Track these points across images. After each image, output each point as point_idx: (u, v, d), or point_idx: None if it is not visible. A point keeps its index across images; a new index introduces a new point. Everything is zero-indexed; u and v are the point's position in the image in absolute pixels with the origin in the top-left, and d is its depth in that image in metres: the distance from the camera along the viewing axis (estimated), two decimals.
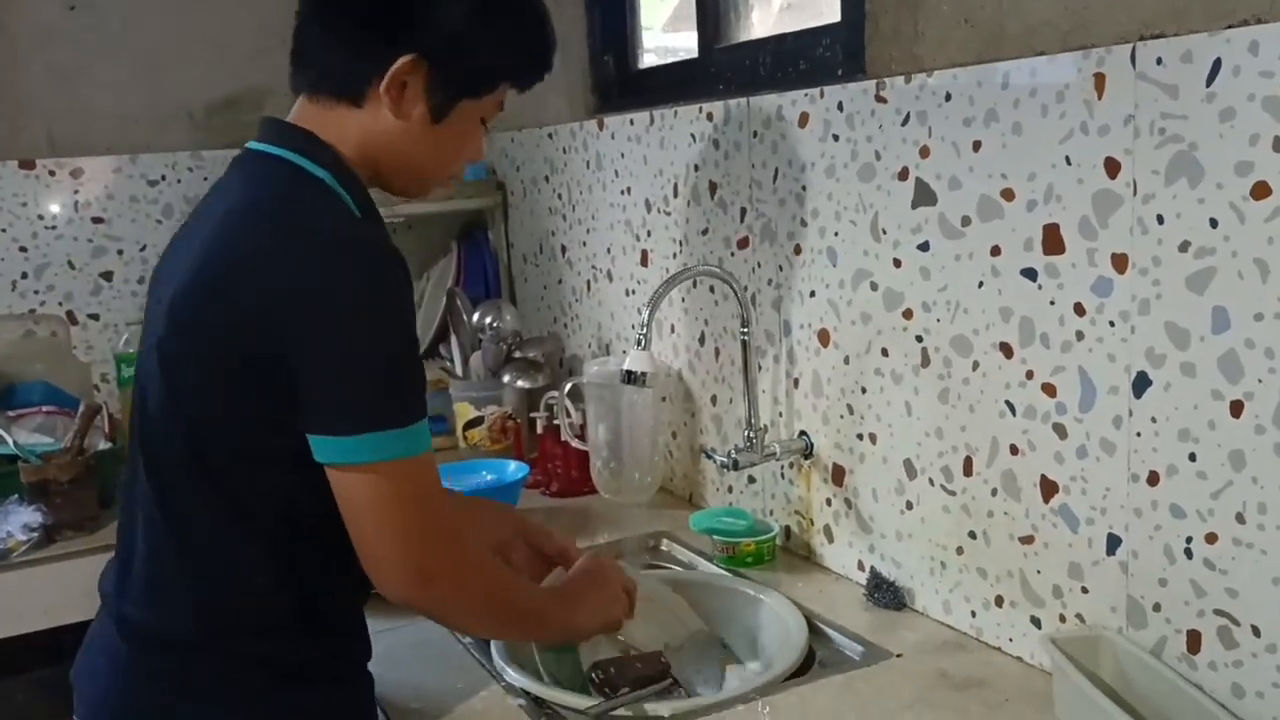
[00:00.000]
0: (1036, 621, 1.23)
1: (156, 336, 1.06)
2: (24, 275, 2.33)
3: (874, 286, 1.39)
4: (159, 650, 1.08)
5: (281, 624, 1.08)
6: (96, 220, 2.37)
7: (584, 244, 2.14)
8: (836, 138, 1.42)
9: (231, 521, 1.06)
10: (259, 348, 0.99)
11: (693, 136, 1.74)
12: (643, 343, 1.44)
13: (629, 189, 1.95)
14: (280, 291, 0.99)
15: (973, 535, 1.30)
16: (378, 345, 1.00)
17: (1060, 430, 1.17)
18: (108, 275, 2.38)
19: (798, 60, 1.56)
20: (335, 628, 1.13)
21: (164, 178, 2.41)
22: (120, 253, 2.39)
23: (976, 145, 1.22)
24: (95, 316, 2.39)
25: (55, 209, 2.34)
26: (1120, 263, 1.07)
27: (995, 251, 1.21)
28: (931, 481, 1.35)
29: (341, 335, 0.99)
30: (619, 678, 1.23)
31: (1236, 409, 0.99)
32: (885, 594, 1.42)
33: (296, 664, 1.10)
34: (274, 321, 0.99)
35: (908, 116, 1.30)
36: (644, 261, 1.94)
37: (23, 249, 2.32)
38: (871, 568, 1.46)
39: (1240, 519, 1.00)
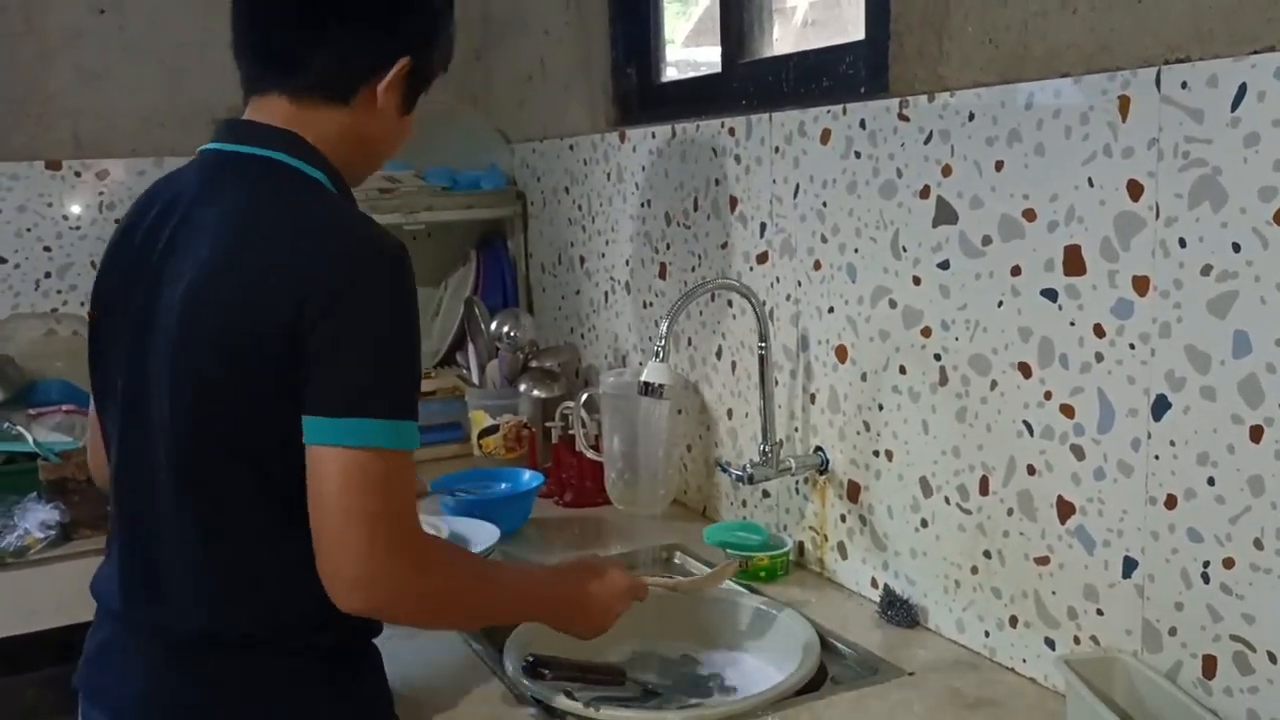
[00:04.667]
0: (1051, 643, 1.23)
1: (171, 344, 1.05)
2: (47, 275, 2.35)
3: (893, 304, 1.40)
4: (219, 653, 1.08)
5: (334, 616, 1.07)
6: (120, 222, 2.39)
7: (603, 255, 2.15)
8: (858, 155, 1.43)
9: (279, 520, 1.06)
10: (292, 346, 1.01)
11: (714, 151, 1.75)
12: (661, 354, 1.45)
13: (649, 201, 1.96)
14: (314, 294, 1.01)
15: (988, 555, 1.30)
16: (393, 343, 1.04)
17: (1078, 451, 1.16)
18: None
19: (821, 77, 1.57)
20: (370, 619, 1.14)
21: None
22: None
23: (999, 165, 1.22)
24: None
25: (79, 209, 2.36)
26: (1141, 285, 1.07)
27: (1016, 271, 1.21)
28: (947, 500, 1.35)
29: (365, 331, 1.02)
30: (565, 670, 1.28)
31: (1256, 434, 0.98)
32: (898, 611, 1.41)
33: (349, 655, 1.13)
34: (307, 319, 1.00)
35: (930, 135, 1.31)
36: (662, 274, 1.94)
37: (46, 249, 2.35)
38: (885, 585, 1.46)
39: (1259, 545, 0.99)
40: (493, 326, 2.26)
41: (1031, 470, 1.22)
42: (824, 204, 1.50)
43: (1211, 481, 1.03)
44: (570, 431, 2.00)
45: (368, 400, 1.01)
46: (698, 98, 1.91)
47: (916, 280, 1.35)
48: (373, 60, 1.13)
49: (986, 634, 1.31)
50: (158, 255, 1.10)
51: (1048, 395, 1.19)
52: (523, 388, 2.16)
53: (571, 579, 1.28)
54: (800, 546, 1.63)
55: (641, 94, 2.09)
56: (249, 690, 1.08)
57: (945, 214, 1.30)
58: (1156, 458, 1.08)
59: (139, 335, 1.09)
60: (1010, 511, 1.26)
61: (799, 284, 1.57)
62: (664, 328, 1.47)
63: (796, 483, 1.62)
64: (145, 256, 1.12)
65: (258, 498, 1.06)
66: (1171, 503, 1.07)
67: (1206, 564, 1.04)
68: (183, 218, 1.10)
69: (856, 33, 1.50)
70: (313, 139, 1.12)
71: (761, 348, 1.58)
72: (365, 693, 1.15)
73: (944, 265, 1.31)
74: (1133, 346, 1.09)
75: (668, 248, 1.91)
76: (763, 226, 1.64)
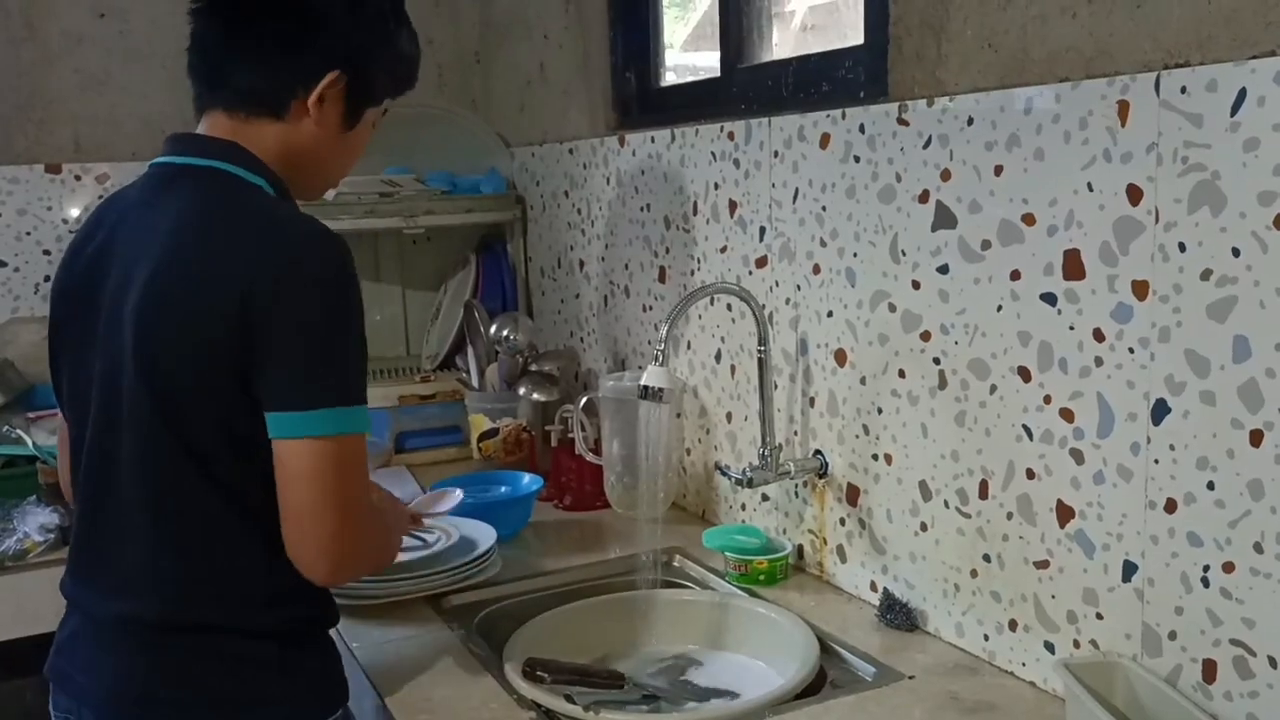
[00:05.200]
0: (1050, 647, 1.23)
1: (127, 342, 1.09)
2: (46, 278, 2.35)
3: (892, 308, 1.40)
4: (173, 638, 1.12)
5: (284, 596, 1.14)
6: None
7: (602, 259, 2.15)
8: (858, 159, 1.43)
9: (224, 509, 1.11)
10: (241, 337, 1.05)
11: (713, 155, 1.75)
12: (660, 358, 1.45)
13: (648, 205, 1.96)
14: (258, 281, 1.05)
15: (987, 558, 1.30)
16: (340, 329, 1.08)
17: (1077, 455, 1.16)
18: None
19: (820, 81, 1.57)
20: (320, 593, 1.19)
21: None
22: None
23: (998, 169, 1.22)
24: None
25: (80, 213, 2.37)
26: (1141, 289, 1.08)
27: (1015, 276, 1.21)
28: (946, 504, 1.35)
29: (311, 318, 1.06)
30: (564, 674, 1.29)
31: (1256, 438, 0.98)
32: (897, 615, 1.41)
33: (304, 633, 1.18)
34: (255, 310, 1.04)
35: (929, 139, 1.31)
36: (662, 278, 1.95)
37: (46, 252, 2.35)
38: (884, 589, 1.46)
39: (1258, 549, 0.99)
40: (492, 330, 2.26)
41: (1031, 474, 1.22)
42: (823, 208, 1.50)
43: (1211, 486, 1.03)
44: (570, 435, 2.00)
45: (323, 391, 1.06)
46: (697, 102, 1.92)
47: (916, 284, 1.35)
48: (295, 75, 1.17)
49: (986, 638, 1.31)
50: (112, 262, 1.14)
51: (1047, 399, 1.19)
52: (522, 391, 2.16)
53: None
54: (799, 550, 1.63)
55: (641, 98, 2.09)
56: (202, 673, 1.12)
57: (944, 218, 1.30)
58: (1156, 462, 1.08)
59: (98, 339, 1.13)
60: (1010, 515, 1.26)
61: (798, 288, 1.57)
62: (663, 331, 1.47)
63: (796, 486, 1.62)
64: (100, 264, 1.16)
65: (210, 488, 1.10)
66: (1171, 507, 1.07)
67: (1206, 568, 1.04)
68: (132, 225, 1.15)
69: (855, 37, 1.51)
70: (252, 150, 1.17)
71: (761, 351, 1.58)
72: (316, 672, 1.19)
73: (943, 269, 1.31)
74: (1132, 351, 1.09)
75: (667, 251, 1.92)
76: (762, 230, 1.65)
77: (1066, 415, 1.17)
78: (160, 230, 1.11)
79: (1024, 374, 1.22)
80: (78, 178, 2.35)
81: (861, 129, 1.42)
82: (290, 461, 1.07)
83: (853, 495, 1.51)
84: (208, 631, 1.12)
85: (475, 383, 2.30)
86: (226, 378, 1.06)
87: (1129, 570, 1.12)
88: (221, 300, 1.05)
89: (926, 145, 1.32)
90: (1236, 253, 0.98)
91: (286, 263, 1.07)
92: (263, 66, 1.17)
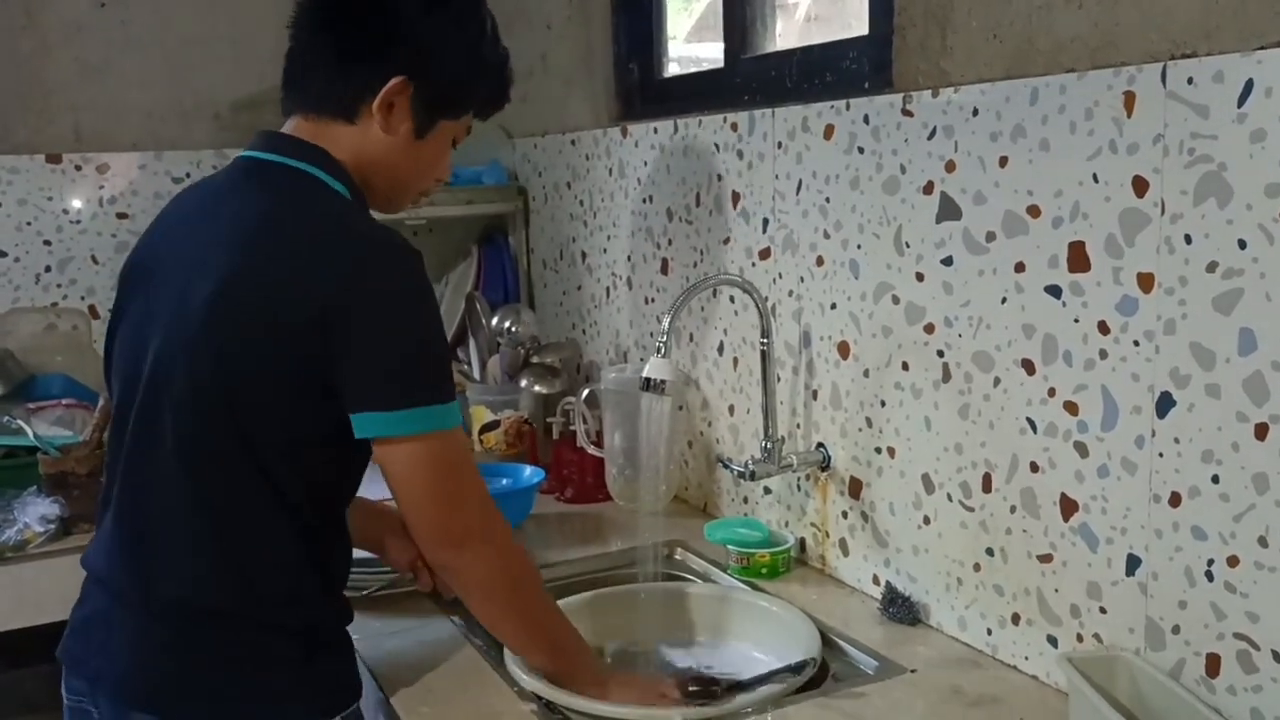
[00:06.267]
0: (1053, 640, 1.22)
1: (195, 330, 1.10)
2: (47, 269, 2.35)
3: (896, 300, 1.39)
4: (196, 623, 1.13)
5: (309, 593, 1.16)
6: (121, 216, 2.39)
7: (604, 251, 2.15)
8: (862, 150, 1.42)
9: (267, 501, 1.12)
10: (321, 342, 1.08)
11: (716, 146, 1.74)
12: (663, 350, 1.44)
13: (651, 197, 1.95)
14: (337, 290, 1.08)
15: (990, 552, 1.29)
16: (422, 332, 1.12)
17: (1081, 449, 1.16)
18: None
19: (824, 72, 1.56)
20: (342, 596, 1.22)
21: (189, 175, 2.42)
22: None
23: (1003, 161, 1.21)
24: None
25: (80, 204, 2.36)
26: (1146, 282, 1.07)
27: (1019, 268, 1.21)
28: (949, 497, 1.34)
29: (393, 324, 1.10)
30: None
31: (1261, 431, 0.98)
32: (900, 609, 1.41)
33: (323, 632, 1.18)
34: (331, 318, 1.07)
35: (934, 130, 1.30)
36: (664, 270, 1.94)
37: (47, 242, 2.34)
38: (887, 582, 1.45)
39: (1263, 542, 0.99)
40: (494, 322, 2.25)
41: (1034, 467, 1.22)
42: (827, 200, 1.50)
43: (1216, 479, 1.02)
44: (571, 427, 2.00)
45: (426, 389, 1.11)
46: (700, 93, 1.91)
47: (919, 276, 1.35)
48: (365, 80, 1.18)
49: (989, 631, 1.31)
50: (186, 247, 1.17)
51: (1051, 392, 1.19)
52: (524, 383, 2.16)
53: (605, 669, 1.34)
54: (802, 543, 1.63)
55: (644, 89, 2.08)
56: (218, 662, 1.13)
57: (949, 210, 1.29)
58: (1160, 455, 1.08)
59: (164, 321, 1.14)
60: (1013, 509, 1.25)
61: (801, 280, 1.57)
62: (666, 323, 1.46)
63: (798, 479, 1.62)
64: (174, 247, 1.19)
65: (258, 481, 1.12)
66: (1175, 500, 1.07)
67: (1210, 562, 1.04)
68: (211, 214, 1.18)
69: (860, 27, 1.50)
70: (334, 154, 1.19)
71: (763, 344, 1.57)
72: (331, 670, 1.18)
73: (947, 261, 1.30)
74: (1137, 343, 1.09)
75: (669, 243, 1.91)
76: (765, 222, 1.64)
77: (1070, 408, 1.17)
78: (241, 226, 1.13)
79: (1028, 367, 1.21)
80: (78, 168, 2.34)
81: (866, 120, 1.41)
82: (386, 461, 1.12)
83: (855, 488, 1.51)
84: (229, 621, 1.13)
85: (477, 375, 2.29)
86: (290, 385, 1.09)
87: (1133, 564, 1.12)
88: (296, 310, 1.07)
89: (931, 136, 1.31)
90: (1243, 245, 0.98)
91: (364, 274, 1.09)
92: (336, 70, 1.19)
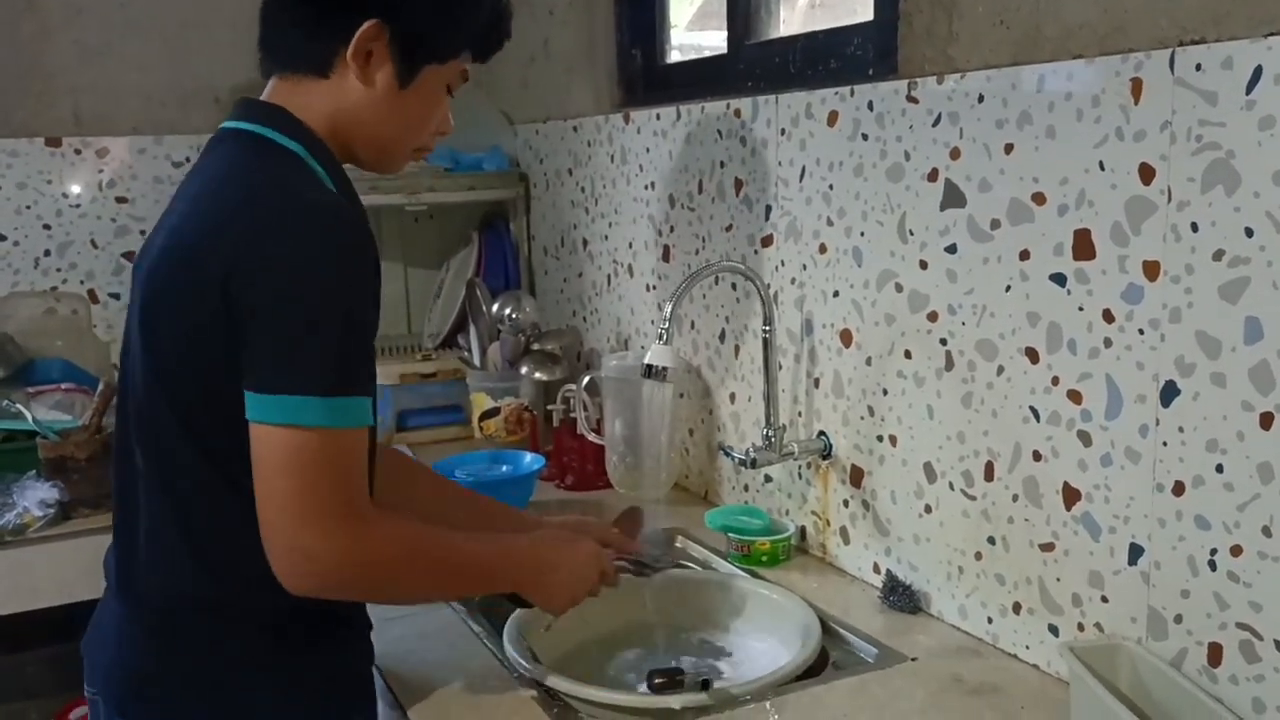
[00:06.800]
0: (1054, 629, 1.22)
1: (137, 312, 1.09)
2: (47, 253, 2.34)
3: (899, 288, 1.38)
4: (179, 617, 1.10)
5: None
6: (120, 200, 2.38)
7: (606, 238, 2.14)
8: (866, 137, 1.41)
9: (223, 486, 1.06)
10: (226, 310, 0.99)
11: (719, 133, 1.73)
12: (664, 337, 1.44)
13: (653, 184, 1.94)
14: (243, 252, 0.99)
15: (992, 541, 1.29)
16: (319, 311, 0.99)
17: (1085, 438, 1.16)
18: (130, 255, 2.39)
19: (828, 58, 1.55)
20: None
21: (188, 159, 2.41)
22: (143, 233, 2.39)
23: (1009, 148, 1.21)
24: (116, 295, 2.40)
25: (79, 188, 2.35)
26: (1152, 270, 1.06)
27: (1024, 255, 1.20)
28: (951, 485, 1.34)
29: (286, 295, 0.99)
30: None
31: (1266, 421, 0.97)
32: (901, 597, 1.41)
33: (309, 623, 1.10)
34: (239, 283, 0.99)
35: (939, 117, 1.29)
36: (666, 257, 1.93)
37: (46, 226, 2.34)
38: (888, 570, 1.45)
39: (1267, 532, 0.98)
40: (494, 309, 2.25)
41: (1037, 456, 1.22)
42: (830, 187, 1.49)
43: (1220, 468, 1.02)
44: (572, 414, 1.99)
45: (303, 376, 0.98)
46: (703, 79, 1.90)
47: (923, 264, 1.34)
48: (336, 30, 1.09)
49: (990, 620, 1.31)
50: (152, 236, 1.14)
51: (1055, 381, 1.18)
52: (524, 370, 2.15)
53: (535, 549, 1.22)
54: (802, 531, 1.63)
55: (646, 75, 2.07)
56: (211, 656, 1.09)
57: (953, 197, 1.29)
58: (1165, 444, 1.07)
59: (129, 313, 1.13)
60: (1015, 498, 1.25)
61: (804, 267, 1.56)
62: (667, 310, 1.46)
63: (799, 467, 1.62)
64: (148, 239, 1.15)
65: (205, 466, 1.06)
66: (1179, 489, 1.06)
67: (1214, 551, 1.03)
68: (180, 196, 1.14)
69: (864, 13, 1.49)
70: (300, 113, 1.11)
71: (765, 331, 1.57)
72: (323, 668, 1.13)
73: (951, 249, 1.30)
74: (1142, 332, 1.08)
75: (671, 230, 1.90)
76: (768, 209, 1.63)
77: (1074, 397, 1.16)
78: (186, 198, 1.10)
79: (1032, 355, 1.21)
80: (78, 151, 2.34)
81: (870, 106, 1.40)
82: (255, 446, 0.99)
83: (857, 477, 1.50)
84: (205, 609, 1.09)
85: (477, 361, 2.29)
86: (213, 357, 1.01)
87: (1135, 553, 1.11)
88: (207, 276, 1.00)
89: (936, 123, 1.30)
90: (1250, 233, 0.97)
91: (276, 238, 1.00)
92: (305, 22, 1.11)
